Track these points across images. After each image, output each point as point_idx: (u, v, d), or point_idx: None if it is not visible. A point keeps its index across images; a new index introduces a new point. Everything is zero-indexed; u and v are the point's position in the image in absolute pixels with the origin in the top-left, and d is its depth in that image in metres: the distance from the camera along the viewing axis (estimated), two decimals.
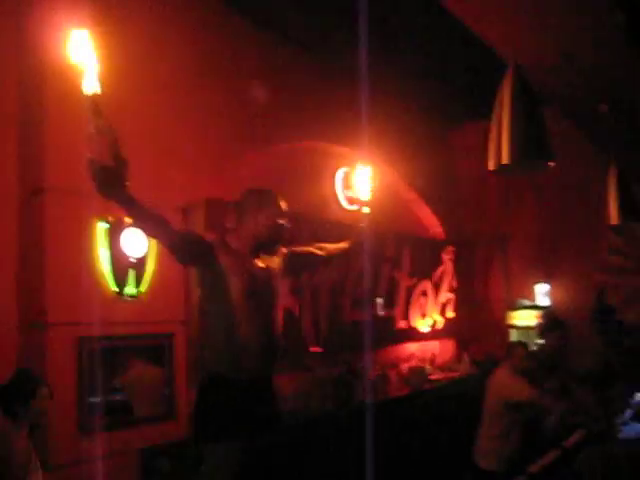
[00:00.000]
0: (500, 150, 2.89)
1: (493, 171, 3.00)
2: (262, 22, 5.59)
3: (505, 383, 4.65)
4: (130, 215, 2.51)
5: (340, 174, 6.64)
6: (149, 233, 2.67)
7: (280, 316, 3.07)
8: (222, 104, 5.17)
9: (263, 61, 5.68)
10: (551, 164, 2.96)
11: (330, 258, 3.52)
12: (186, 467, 4.23)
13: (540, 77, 3.48)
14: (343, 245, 3.56)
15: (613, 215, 5.02)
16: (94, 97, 2.20)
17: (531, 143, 2.91)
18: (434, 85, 7.04)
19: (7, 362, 3.87)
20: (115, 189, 2.31)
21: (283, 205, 3.05)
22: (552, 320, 5.17)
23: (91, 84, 2.20)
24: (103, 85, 2.24)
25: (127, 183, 2.31)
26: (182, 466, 4.25)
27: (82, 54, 2.23)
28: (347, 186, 6.56)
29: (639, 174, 5.37)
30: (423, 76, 6.74)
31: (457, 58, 6.24)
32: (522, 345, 4.95)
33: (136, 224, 2.58)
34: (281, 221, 3.02)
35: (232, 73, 5.32)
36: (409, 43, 5.98)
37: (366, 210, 3.58)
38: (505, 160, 2.90)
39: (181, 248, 2.75)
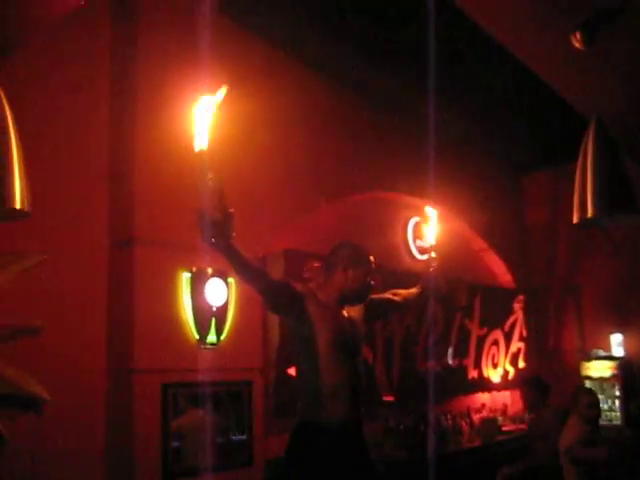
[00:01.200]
0: (585, 204, 2.91)
1: (578, 224, 3.02)
2: (334, 75, 5.76)
3: (563, 433, 4.60)
4: (232, 264, 2.61)
5: (411, 224, 6.71)
6: (247, 280, 2.78)
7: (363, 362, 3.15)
8: (299, 157, 5.32)
9: (335, 113, 5.83)
10: (637, 218, 2.97)
11: (406, 304, 3.58)
12: None
13: (620, 130, 3.50)
14: (416, 290, 3.61)
15: None
16: (204, 153, 2.32)
17: (616, 197, 2.93)
18: (505, 133, 7.08)
19: (96, 407, 4.02)
20: (222, 241, 2.43)
21: (374, 263, 3.13)
22: None
23: (202, 141, 2.33)
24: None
25: (233, 234, 2.42)
26: None
27: (199, 112, 2.35)
28: (418, 236, 6.61)
29: None
30: (494, 124, 6.79)
31: (529, 105, 6.27)
32: (587, 392, 4.86)
33: (236, 272, 2.69)
34: (370, 279, 3.10)
35: (306, 127, 5.47)
36: (480, 90, 6.05)
37: (433, 254, 3.64)
38: (590, 214, 2.92)
39: (275, 297, 2.86)
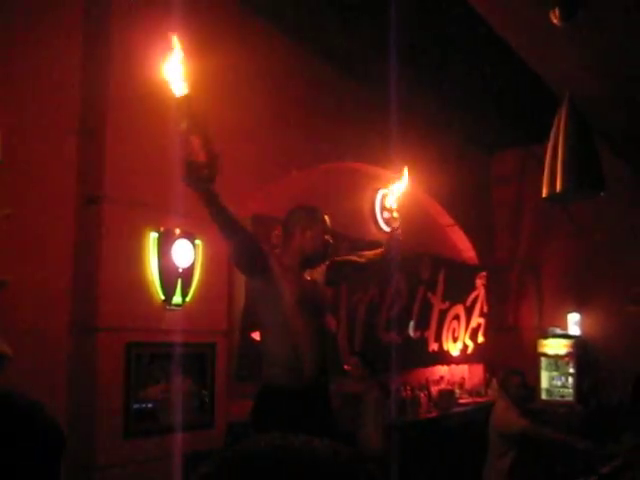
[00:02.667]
0: (555, 179, 2.96)
1: (545, 199, 3.08)
2: (308, 44, 5.71)
3: (499, 416, 4.71)
4: (210, 209, 2.61)
5: (380, 195, 6.73)
6: (222, 228, 2.76)
7: (328, 327, 3.20)
8: (268, 125, 5.28)
9: (307, 83, 5.79)
10: (602, 193, 3.04)
11: (369, 264, 3.61)
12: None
13: (592, 110, 3.55)
14: (380, 251, 3.65)
15: None
16: (183, 98, 2.33)
17: (585, 173, 2.98)
18: (474, 112, 7.12)
19: (58, 364, 3.99)
20: (204, 184, 2.45)
21: (329, 222, 3.18)
22: None
23: (179, 87, 2.32)
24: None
25: (214, 178, 2.45)
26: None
27: (170, 58, 2.35)
28: (386, 208, 6.64)
29: None
30: (464, 102, 6.83)
31: (498, 85, 6.32)
32: (517, 374, 4.98)
33: (214, 218, 2.68)
34: (327, 237, 3.14)
35: (275, 95, 5.42)
36: (451, 68, 6.07)
37: (395, 214, 3.65)
38: (559, 189, 2.97)
39: (245, 249, 2.87)
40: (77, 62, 4.24)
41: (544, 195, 3.01)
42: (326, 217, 3.20)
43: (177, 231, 4.42)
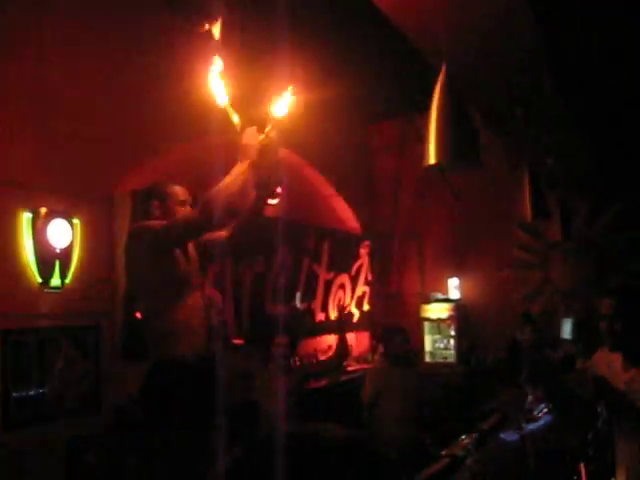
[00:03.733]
0: (433, 149, 3.04)
1: (425, 168, 3.15)
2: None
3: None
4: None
5: None
6: None
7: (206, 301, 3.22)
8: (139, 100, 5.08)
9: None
10: (481, 164, 3.14)
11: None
12: (111, 458, 4.22)
13: (468, 82, 3.66)
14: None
15: (525, 214, 5.31)
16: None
17: (461, 144, 3.07)
18: (355, 82, 7.17)
19: None
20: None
21: (181, 194, 3.21)
22: None
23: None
24: None
25: None
26: (108, 457, 4.23)
27: None
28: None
29: (548, 177, 5.69)
30: (345, 73, 6.86)
31: (379, 56, 6.38)
32: (401, 330, 5.24)
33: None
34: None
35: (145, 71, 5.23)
36: (331, 37, 6.07)
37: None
38: (436, 159, 3.05)
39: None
40: None
41: (423, 165, 3.07)
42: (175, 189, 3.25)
43: (52, 211, 4.22)
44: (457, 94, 3.15)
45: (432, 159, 3.06)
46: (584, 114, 5.28)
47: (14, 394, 3.93)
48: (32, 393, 4.06)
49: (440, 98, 3.13)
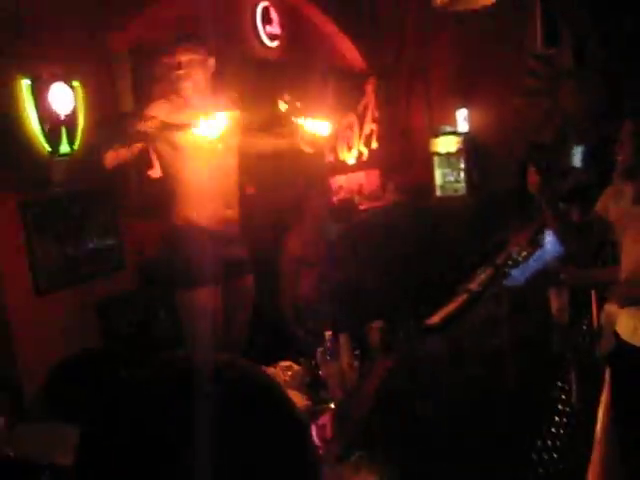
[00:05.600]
0: None
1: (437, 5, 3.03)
2: None
3: None
4: None
5: (260, 9, 6.40)
6: None
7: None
8: None
9: None
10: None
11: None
12: (141, 316, 4.42)
13: None
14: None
15: (538, 41, 5.13)
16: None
17: None
18: None
19: None
20: None
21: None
22: None
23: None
24: None
25: None
26: (137, 316, 4.42)
27: None
28: (268, 21, 6.36)
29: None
30: None
31: None
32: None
33: None
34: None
35: None
36: None
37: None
38: None
39: None
40: None
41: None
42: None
43: (51, 75, 4.10)
44: None
45: None
46: None
47: (42, 260, 4.05)
48: (56, 256, 4.17)
49: None
